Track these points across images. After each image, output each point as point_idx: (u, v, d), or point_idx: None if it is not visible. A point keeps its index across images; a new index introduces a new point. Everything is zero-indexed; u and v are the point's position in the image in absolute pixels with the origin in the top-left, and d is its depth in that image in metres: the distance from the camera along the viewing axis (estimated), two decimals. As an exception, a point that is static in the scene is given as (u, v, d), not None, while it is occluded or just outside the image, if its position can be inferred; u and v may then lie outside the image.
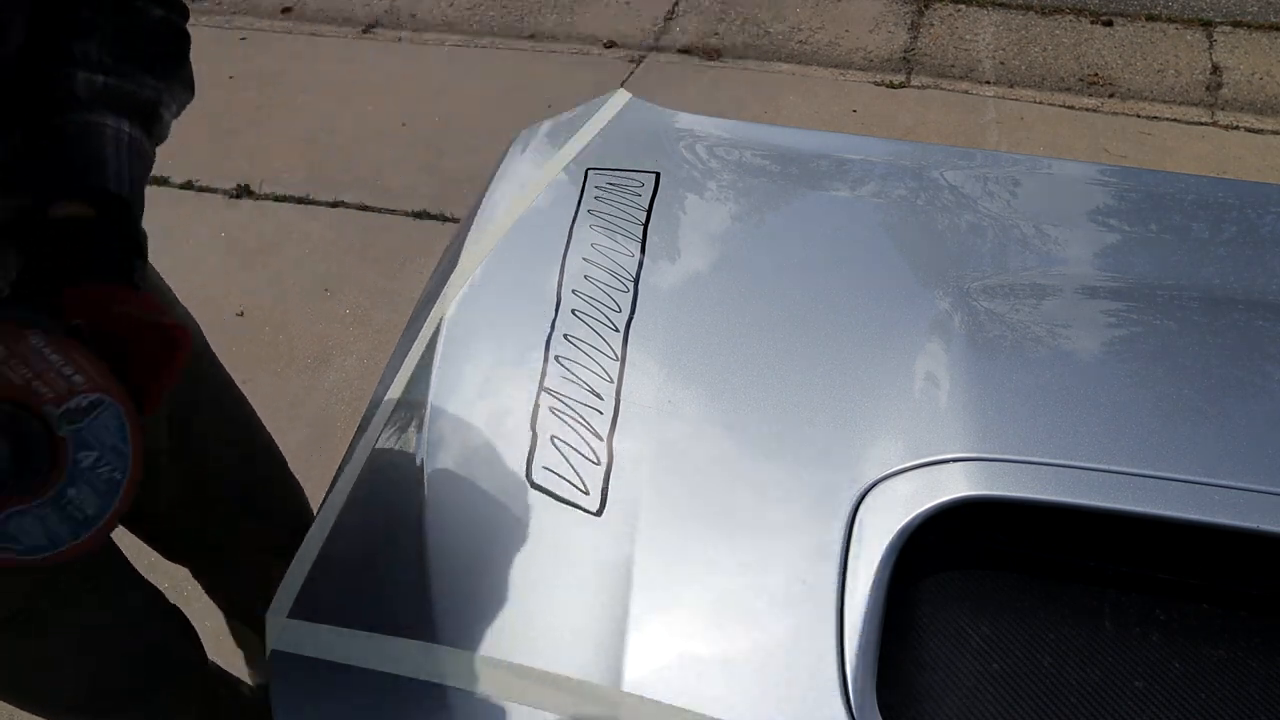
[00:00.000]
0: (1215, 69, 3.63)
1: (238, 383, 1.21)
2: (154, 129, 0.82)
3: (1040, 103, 3.53)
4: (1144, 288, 1.10)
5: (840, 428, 0.91)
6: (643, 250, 1.13)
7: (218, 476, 1.15)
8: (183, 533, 1.18)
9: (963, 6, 4.04)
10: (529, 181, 1.24)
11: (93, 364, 0.53)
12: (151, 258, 0.90)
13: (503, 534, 0.84)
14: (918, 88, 3.63)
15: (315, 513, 0.89)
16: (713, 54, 3.86)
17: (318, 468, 2.22)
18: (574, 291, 1.06)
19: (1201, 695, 0.76)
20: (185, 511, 1.12)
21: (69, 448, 0.53)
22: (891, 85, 3.64)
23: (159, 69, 0.81)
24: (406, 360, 1.03)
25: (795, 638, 0.76)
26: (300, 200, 3.06)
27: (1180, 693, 0.76)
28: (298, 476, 1.38)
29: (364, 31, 4.13)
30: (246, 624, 1.44)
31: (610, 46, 3.95)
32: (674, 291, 1.07)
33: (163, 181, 3.06)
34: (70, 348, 0.54)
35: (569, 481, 0.87)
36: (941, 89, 3.62)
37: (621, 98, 1.43)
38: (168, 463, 1.03)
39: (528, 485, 0.87)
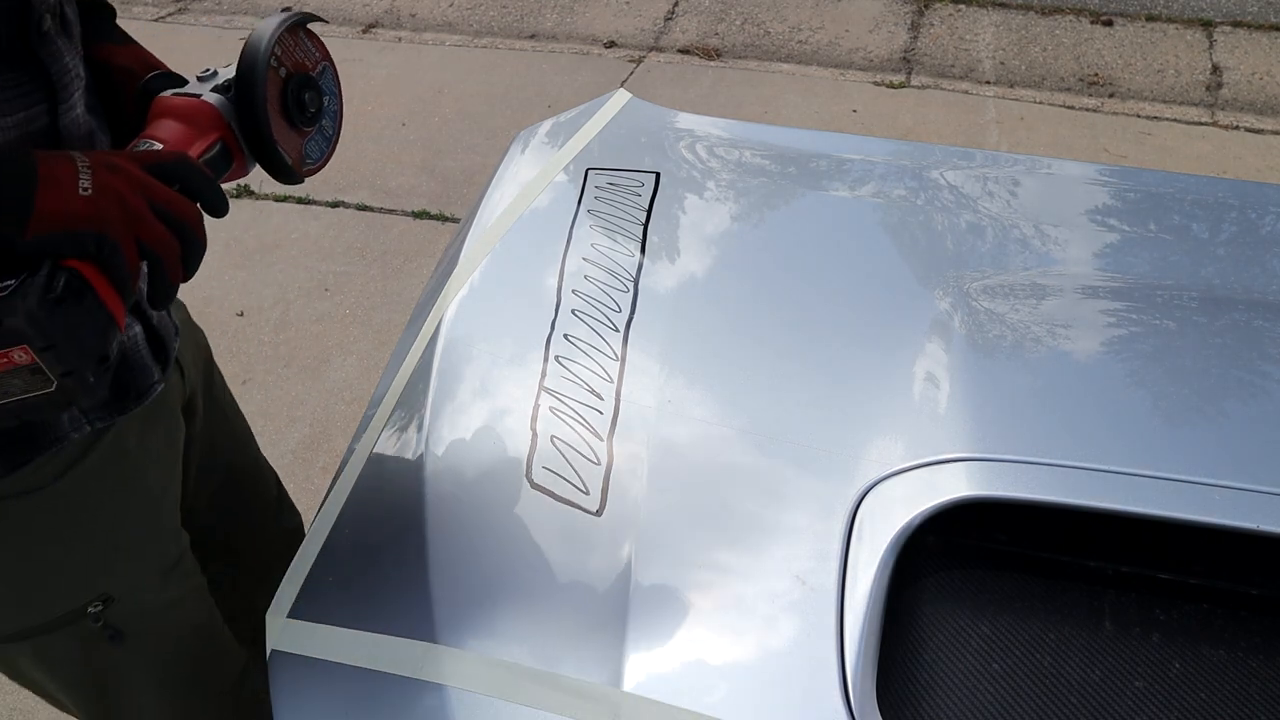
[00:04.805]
0: (1215, 69, 3.63)
1: (238, 382, 1.20)
2: None
3: (1040, 103, 3.53)
4: (1144, 288, 1.10)
5: (840, 428, 0.91)
6: (643, 250, 1.13)
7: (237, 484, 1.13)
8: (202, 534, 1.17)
9: (963, 6, 4.04)
10: (529, 181, 1.24)
11: (315, 41, 0.83)
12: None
13: (503, 534, 0.84)
14: (918, 88, 3.63)
15: (316, 513, 0.89)
16: (713, 54, 3.86)
17: (318, 468, 2.23)
18: (574, 291, 1.06)
19: (1201, 695, 0.76)
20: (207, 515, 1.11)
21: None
22: (891, 85, 3.64)
23: None
24: (406, 360, 1.03)
25: (795, 638, 0.76)
26: (300, 200, 3.06)
27: (1180, 693, 0.76)
28: (297, 477, 1.37)
29: (364, 31, 4.13)
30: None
31: (610, 46, 3.94)
32: (674, 291, 1.07)
33: (163, 181, 3.06)
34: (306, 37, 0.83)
35: (569, 481, 0.87)
36: (941, 89, 3.62)
37: (621, 98, 1.42)
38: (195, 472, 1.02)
39: (528, 485, 0.87)
